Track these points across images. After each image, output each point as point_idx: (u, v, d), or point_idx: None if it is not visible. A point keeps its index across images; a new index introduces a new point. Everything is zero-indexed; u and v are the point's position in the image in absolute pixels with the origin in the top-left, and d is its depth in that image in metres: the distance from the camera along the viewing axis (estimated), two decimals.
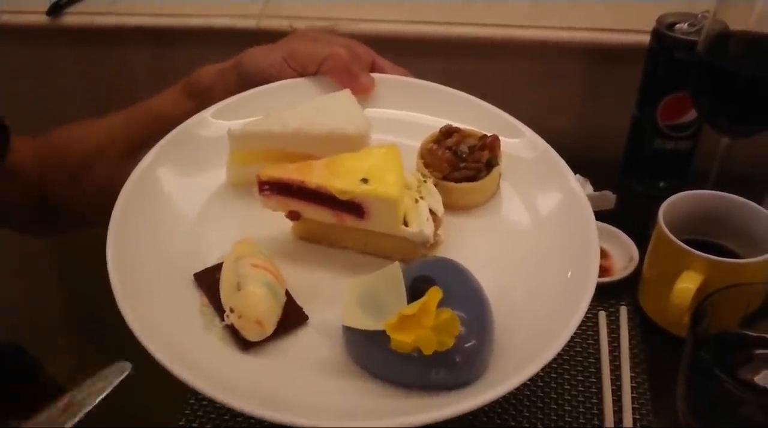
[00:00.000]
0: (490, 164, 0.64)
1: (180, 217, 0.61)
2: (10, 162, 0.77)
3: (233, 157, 0.63)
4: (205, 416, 0.66)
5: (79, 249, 0.90)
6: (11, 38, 1.10)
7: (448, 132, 0.66)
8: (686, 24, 0.85)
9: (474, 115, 0.68)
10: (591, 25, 0.99)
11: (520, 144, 0.66)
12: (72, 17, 1.07)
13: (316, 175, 0.56)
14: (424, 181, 0.61)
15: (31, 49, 1.11)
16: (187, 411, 0.66)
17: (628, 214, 0.86)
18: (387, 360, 0.49)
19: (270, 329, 0.52)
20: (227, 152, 0.63)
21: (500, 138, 0.65)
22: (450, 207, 0.61)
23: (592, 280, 0.53)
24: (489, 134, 0.65)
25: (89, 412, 0.83)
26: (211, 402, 0.65)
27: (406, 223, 0.57)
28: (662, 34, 0.85)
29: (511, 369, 0.49)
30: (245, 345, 0.52)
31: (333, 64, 0.69)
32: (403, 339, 0.47)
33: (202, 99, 0.71)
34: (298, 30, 0.75)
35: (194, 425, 0.65)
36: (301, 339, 0.54)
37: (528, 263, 0.58)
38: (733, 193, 0.74)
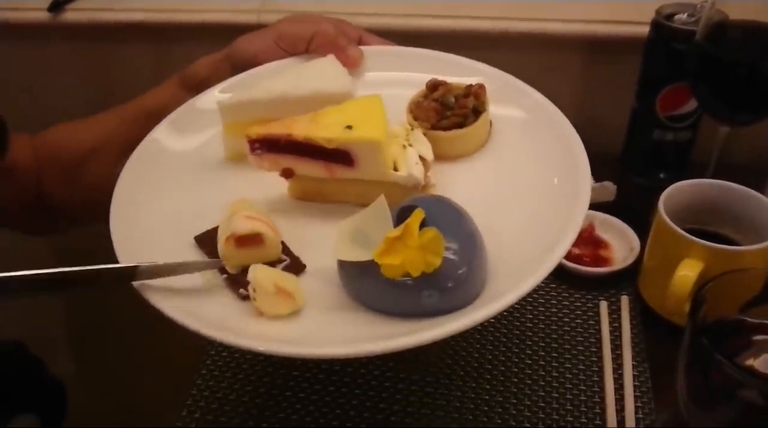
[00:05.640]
0: (477, 111, 0.64)
1: (180, 189, 0.63)
2: (8, 160, 0.77)
3: (227, 130, 0.65)
4: (201, 418, 0.66)
5: (79, 247, 0.90)
6: (11, 35, 1.11)
7: (434, 85, 0.67)
8: (685, 14, 0.85)
9: (464, 72, 0.69)
10: (589, 17, 0.99)
11: (513, 95, 0.67)
12: (72, 14, 1.07)
13: (302, 127, 0.58)
14: (412, 130, 0.62)
15: (31, 45, 1.12)
16: (183, 413, 0.66)
17: (628, 204, 0.86)
18: (381, 290, 0.50)
19: None
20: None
21: (496, 94, 0.65)
22: (442, 157, 0.62)
23: (581, 213, 0.54)
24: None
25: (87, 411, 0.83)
26: (209, 399, 0.67)
27: (396, 169, 0.59)
28: (661, 24, 0.85)
29: (502, 292, 0.49)
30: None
31: (321, 41, 0.70)
32: (391, 263, 0.48)
33: (200, 92, 0.71)
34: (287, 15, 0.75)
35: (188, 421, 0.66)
36: (301, 285, 0.55)
37: (519, 200, 0.59)
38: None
